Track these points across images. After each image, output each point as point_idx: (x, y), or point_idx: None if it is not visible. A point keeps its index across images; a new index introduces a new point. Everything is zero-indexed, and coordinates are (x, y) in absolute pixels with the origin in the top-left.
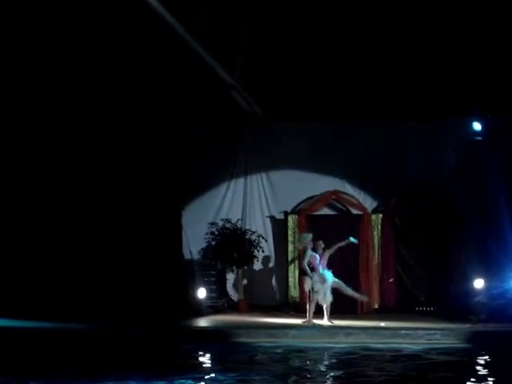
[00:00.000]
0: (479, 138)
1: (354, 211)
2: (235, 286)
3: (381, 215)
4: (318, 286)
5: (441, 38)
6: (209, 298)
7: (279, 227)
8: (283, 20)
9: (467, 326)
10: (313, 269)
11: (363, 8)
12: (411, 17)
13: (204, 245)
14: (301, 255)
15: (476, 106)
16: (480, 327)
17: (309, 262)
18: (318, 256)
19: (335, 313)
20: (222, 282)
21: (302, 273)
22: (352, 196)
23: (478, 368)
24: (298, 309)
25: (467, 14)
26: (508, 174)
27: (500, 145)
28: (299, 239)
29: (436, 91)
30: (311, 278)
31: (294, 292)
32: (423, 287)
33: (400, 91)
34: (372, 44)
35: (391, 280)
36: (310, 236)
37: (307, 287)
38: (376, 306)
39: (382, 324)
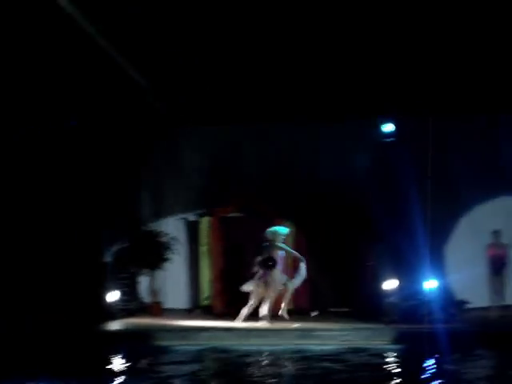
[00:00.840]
0: (391, 139)
1: (265, 214)
2: (148, 288)
3: (291, 218)
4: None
5: (354, 38)
6: (121, 300)
7: (192, 229)
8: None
9: (380, 326)
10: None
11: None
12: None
13: (117, 247)
14: None
15: (388, 106)
16: (392, 327)
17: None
18: None
19: (250, 315)
20: (135, 284)
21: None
22: (263, 199)
23: (387, 367)
24: (209, 311)
25: (377, 10)
26: (420, 174)
27: (412, 145)
28: (275, 233)
29: (348, 91)
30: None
31: (205, 294)
32: (336, 288)
33: (312, 92)
34: (284, 44)
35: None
36: (287, 230)
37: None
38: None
39: (295, 325)
